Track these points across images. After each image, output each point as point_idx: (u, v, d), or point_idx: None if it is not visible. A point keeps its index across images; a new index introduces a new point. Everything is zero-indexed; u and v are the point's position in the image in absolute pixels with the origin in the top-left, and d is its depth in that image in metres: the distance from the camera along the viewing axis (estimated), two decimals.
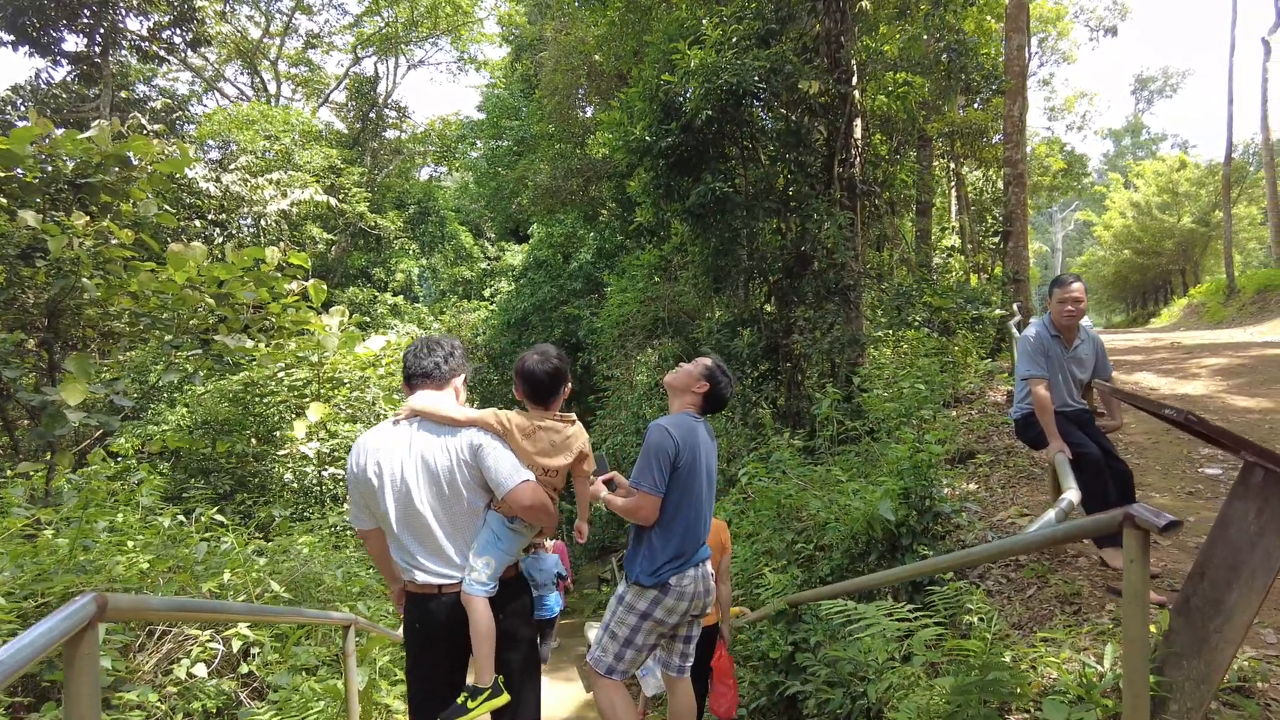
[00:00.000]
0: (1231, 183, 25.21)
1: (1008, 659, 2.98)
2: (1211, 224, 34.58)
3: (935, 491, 4.36)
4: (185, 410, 11.69)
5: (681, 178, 9.08)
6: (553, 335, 21.38)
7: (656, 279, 12.51)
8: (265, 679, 4.39)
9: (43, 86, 19.06)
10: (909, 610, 3.26)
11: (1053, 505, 3.38)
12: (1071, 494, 3.13)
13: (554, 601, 8.83)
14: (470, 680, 2.51)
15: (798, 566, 5.17)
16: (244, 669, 4.32)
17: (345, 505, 11.80)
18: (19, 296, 8.44)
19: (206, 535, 5.02)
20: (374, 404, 12.72)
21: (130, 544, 4.62)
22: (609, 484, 3.19)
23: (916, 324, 9.38)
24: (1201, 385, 8.73)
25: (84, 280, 8.31)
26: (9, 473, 7.59)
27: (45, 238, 7.83)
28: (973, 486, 6.17)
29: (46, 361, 8.89)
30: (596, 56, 14.78)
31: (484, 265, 31.33)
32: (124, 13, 17.39)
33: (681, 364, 3.39)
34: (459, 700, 2.44)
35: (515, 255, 28.95)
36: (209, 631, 4.35)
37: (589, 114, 18.18)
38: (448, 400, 2.65)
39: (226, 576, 4.43)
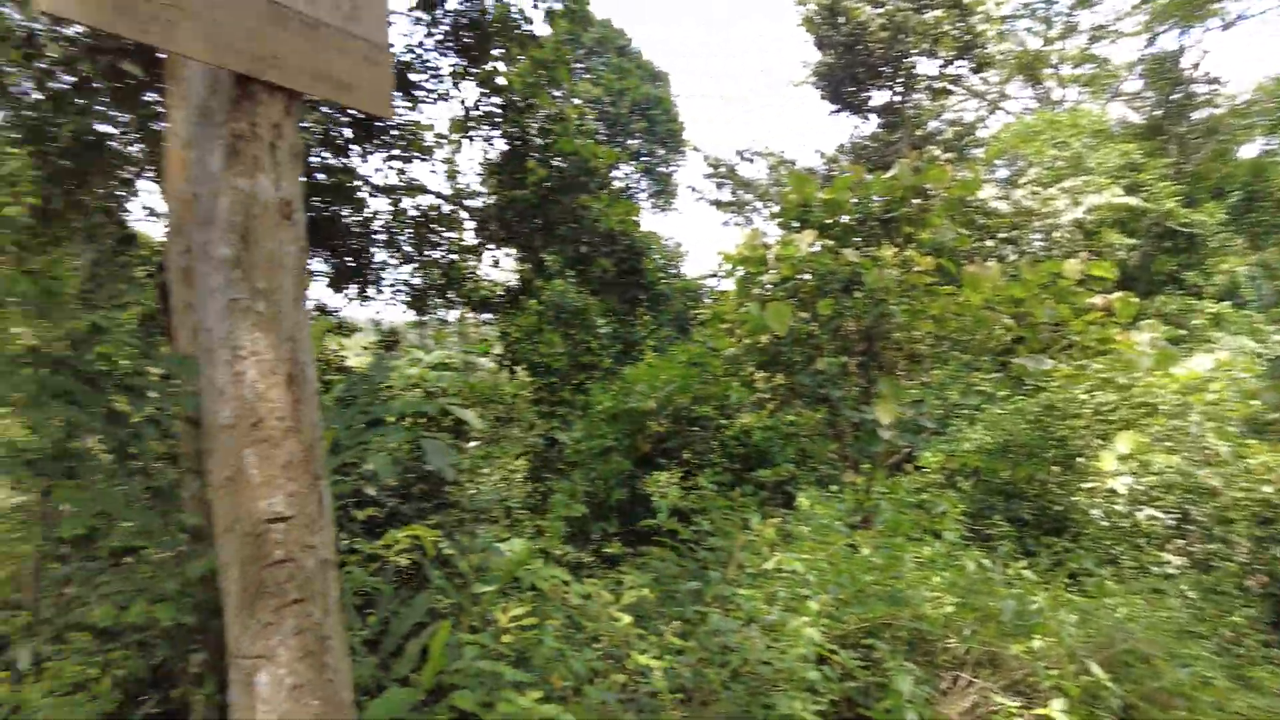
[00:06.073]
0: None
1: None
2: None
3: None
4: (984, 430, 11.64)
5: None
6: None
7: None
8: None
9: (857, 140, 22.38)
10: None
11: None
12: None
13: None
14: None
15: None
16: None
17: (1165, 554, 9.82)
18: (842, 325, 9.66)
19: (1011, 587, 4.42)
20: (1200, 436, 10.30)
21: (936, 579, 4.38)
22: None
23: None
24: None
25: (891, 307, 8.95)
26: (844, 481, 8.66)
27: (861, 271, 8.73)
28: None
29: (864, 381, 9.93)
30: None
31: None
32: (916, 59, 19.00)
33: None
34: None
35: None
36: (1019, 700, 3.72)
37: None
38: None
39: (1036, 643, 3.73)
